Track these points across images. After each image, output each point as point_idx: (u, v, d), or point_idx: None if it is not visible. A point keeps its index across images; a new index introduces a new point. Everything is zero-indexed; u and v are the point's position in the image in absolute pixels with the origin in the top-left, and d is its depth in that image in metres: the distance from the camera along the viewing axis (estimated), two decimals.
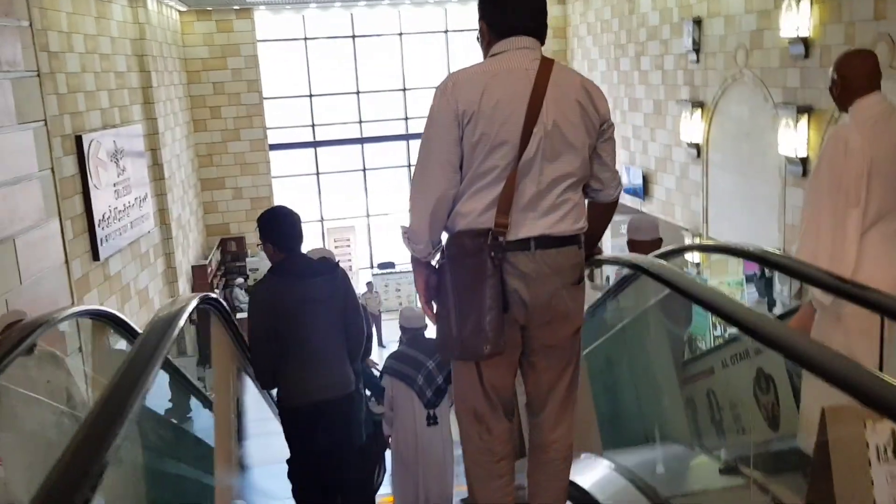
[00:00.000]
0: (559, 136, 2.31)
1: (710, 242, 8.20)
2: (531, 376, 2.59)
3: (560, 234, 2.37)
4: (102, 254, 8.60)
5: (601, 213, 2.68)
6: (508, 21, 2.39)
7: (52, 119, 7.65)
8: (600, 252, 2.98)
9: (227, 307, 3.55)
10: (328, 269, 3.67)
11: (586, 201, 2.60)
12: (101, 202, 8.72)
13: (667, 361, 2.71)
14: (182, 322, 2.12)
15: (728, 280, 11.36)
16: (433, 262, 2.50)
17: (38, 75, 7.27)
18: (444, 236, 2.45)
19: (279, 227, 3.66)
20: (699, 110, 10.89)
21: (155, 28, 12.02)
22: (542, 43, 2.46)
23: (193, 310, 2.54)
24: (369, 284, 15.05)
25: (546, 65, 2.34)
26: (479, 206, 2.32)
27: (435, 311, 2.48)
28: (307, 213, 17.64)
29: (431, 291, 2.49)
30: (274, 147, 16.69)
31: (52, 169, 7.43)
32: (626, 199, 14.37)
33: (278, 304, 3.55)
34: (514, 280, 2.35)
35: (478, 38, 2.48)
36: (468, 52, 17.54)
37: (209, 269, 13.95)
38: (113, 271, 9.12)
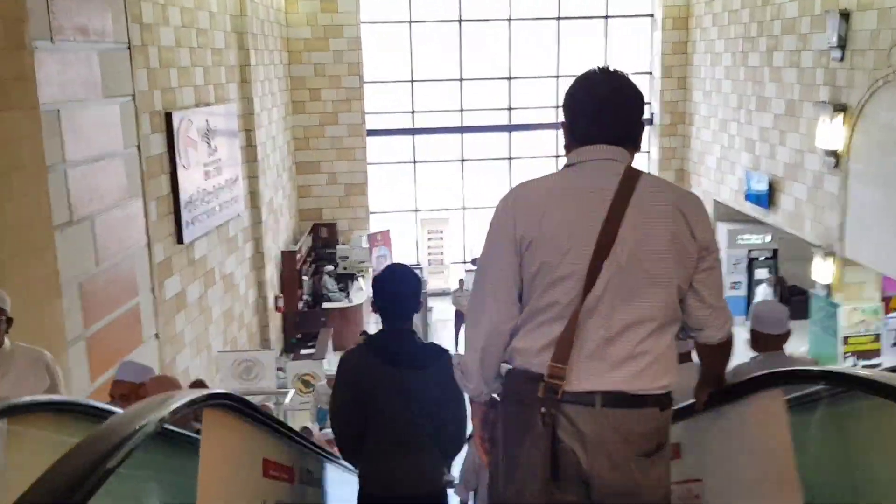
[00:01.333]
0: (637, 272, 1.93)
1: None
2: None
3: (636, 392, 1.92)
4: (187, 237, 8.38)
5: (712, 354, 2.23)
6: (589, 126, 2.04)
7: (140, 94, 7.44)
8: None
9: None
10: (428, 360, 3.10)
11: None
12: (189, 183, 8.50)
13: None
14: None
15: (863, 307, 10.29)
16: (494, 394, 2.17)
17: (129, 48, 7.04)
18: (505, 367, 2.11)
19: (380, 292, 3.16)
20: (841, 114, 9.86)
21: (257, 5, 11.80)
22: (635, 150, 2.08)
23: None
24: (461, 282, 14.49)
25: (629, 181, 1.96)
26: (535, 345, 1.97)
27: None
28: (401, 202, 17.30)
29: (488, 428, 2.18)
30: (371, 133, 16.39)
31: (139, 146, 7.23)
32: (746, 208, 13.37)
33: (362, 384, 3.10)
34: (570, 439, 1.93)
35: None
36: (579, 40, 16.78)
37: (298, 256, 13.75)
38: (198, 255, 8.91)
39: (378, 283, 3.18)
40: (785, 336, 3.65)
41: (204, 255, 9.10)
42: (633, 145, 2.07)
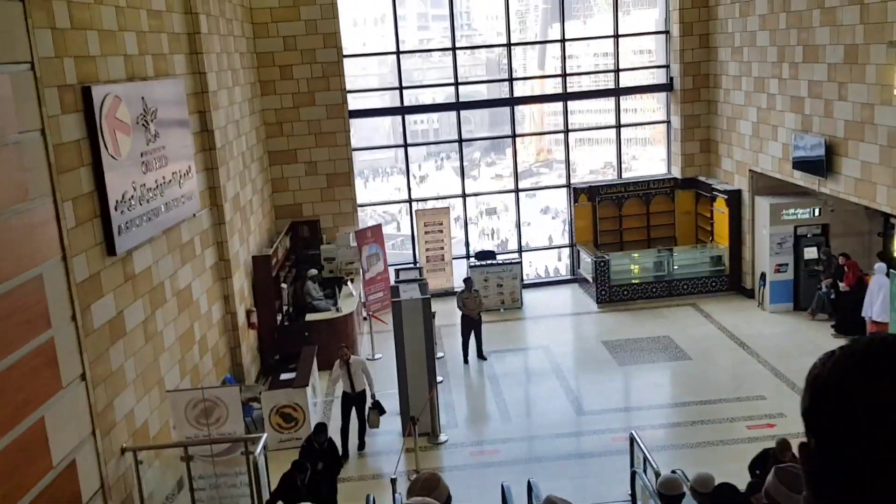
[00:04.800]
0: None
1: None
2: None
3: None
4: (120, 246, 6.93)
5: None
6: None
7: (44, 62, 5.84)
8: None
9: None
10: None
11: None
12: (121, 177, 7.03)
13: None
14: None
15: None
16: None
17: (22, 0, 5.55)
18: None
19: None
20: None
21: None
22: None
23: None
24: (468, 282, 12.88)
25: None
26: None
27: None
28: (392, 192, 15.81)
29: None
30: (354, 114, 14.89)
31: (43, 131, 5.69)
32: (795, 177, 11.89)
33: None
34: None
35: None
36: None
37: (274, 260, 12.23)
38: (138, 268, 7.41)
39: None
40: None
41: (147, 268, 7.61)
42: None
